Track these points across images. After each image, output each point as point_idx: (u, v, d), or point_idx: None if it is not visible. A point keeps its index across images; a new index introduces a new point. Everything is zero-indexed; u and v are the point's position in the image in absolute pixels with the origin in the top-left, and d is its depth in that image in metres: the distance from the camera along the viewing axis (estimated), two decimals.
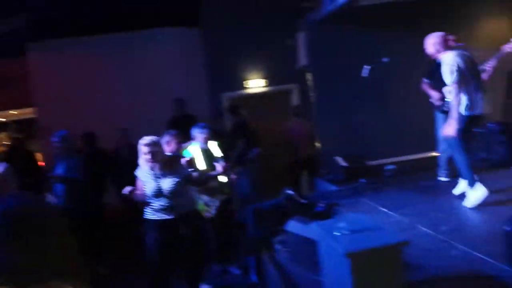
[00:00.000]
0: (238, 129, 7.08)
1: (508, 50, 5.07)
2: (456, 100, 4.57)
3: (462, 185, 5.02)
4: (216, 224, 4.50)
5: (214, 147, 5.13)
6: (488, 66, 5.31)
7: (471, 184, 4.67)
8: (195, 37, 8.23)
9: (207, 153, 4.93)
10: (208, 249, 4.49)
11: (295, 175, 7.74)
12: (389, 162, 6.67)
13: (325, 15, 6.91)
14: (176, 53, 8.16)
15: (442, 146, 5.92)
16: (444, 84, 5.34)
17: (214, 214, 4.66)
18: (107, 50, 7.99)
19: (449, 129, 4.65)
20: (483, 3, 7.49)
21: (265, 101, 8.48)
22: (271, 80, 8.46)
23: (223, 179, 4.91)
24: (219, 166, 4.84)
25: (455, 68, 4.55)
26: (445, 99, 5.43)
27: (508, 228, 3.19)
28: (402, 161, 7.04)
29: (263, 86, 8.48)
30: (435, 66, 5.72)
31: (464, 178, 4.81)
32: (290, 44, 8.00)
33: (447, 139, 4.85)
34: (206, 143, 5.01)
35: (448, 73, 4.58)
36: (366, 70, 6.07)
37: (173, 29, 8.12)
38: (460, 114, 4.61)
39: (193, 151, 4.79)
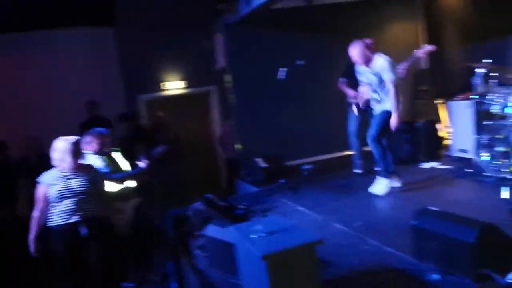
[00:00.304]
0: (136, 134, 6.79)
1: (420, 55, 5.40)
2: (397, 95, 4.88)
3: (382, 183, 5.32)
4: (131, 231, 4.32)
5: (117, 155, 4.88)
6: (401, 68, 5.63)
7: (384, 174, 5.12)
8: (109, 37, 7.88)
9: (111, 160, 4.70)
10: (120, 257, 4.28)
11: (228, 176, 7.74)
12: (307, 162, 6.84)
13: (242, 17, 6.93)
14: (89, 53, 7.75)
15: (355, 141, 6.25)
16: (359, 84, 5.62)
17: (128, 221, 4.46)
18: (14, 50, 7.39)
19: (395, 121, 4.93)
20: (395, 9, 7.96)
21: (184, 103, 8.34)
22: (190, 81, 8.34)
23: (132, 184, 4.69)
24: (142, 163, 4.67)
25: (394, 65, 4.89)
26: (361, 98, 5.71)
27: (414, 222, 3.38)
28: (319, 160, 7.27)
29: (182, 88, 8.34)
30: (352, 65, 6.01)
31: (380, 168, 5.17)
32: (208, 45, 7.94)
33: (369, 134, 5.13)
34: (108, 149, 4.77)
35: (390, 69, 4.86)
36: (281, 72, 6.19)
37: (86, 29, 7.71)
38: (388, 111, 4.96)
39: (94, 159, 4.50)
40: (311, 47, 7.29)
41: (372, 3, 7.60)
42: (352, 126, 6.26)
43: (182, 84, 8.30)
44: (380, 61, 4.95)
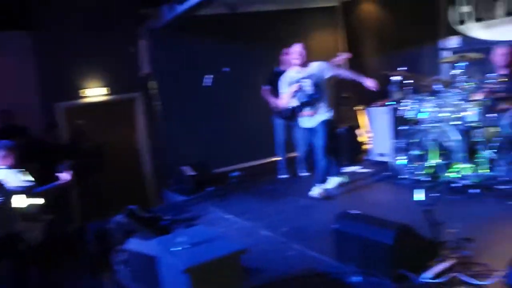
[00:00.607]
0: (28, 151, 6.31)
1: (338, 63, 5.59)
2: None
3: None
4: (44, 248, 4.04)
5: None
6: None
7: (335, 173, 5.41)
8: (25, 42, 7.38)
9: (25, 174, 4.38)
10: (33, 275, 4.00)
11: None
12: (235, 169, 6.83)
13: (166, 23, 6.81)
14: (3, 59, 7.21)
15: (282, 147, 6.35)
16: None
17: (37, 238, 4.17)
18: None
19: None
20: (317, 18, 8.19)
21: (107, 111, 8.00)
22: (113, 88, 8.02)
23: (38, 201, 4.36)
24: (65, 175, 4.37)
25: None
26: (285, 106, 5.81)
27: (336, 226, 3.46)
28: (247, 167, 7.29)
29: (105, 95, 8.00)
30: (275, 73, 6.10)
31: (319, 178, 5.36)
32: (132, 51, 7.68)
33: (318, 147, 5.26)
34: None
35: (328, 65, 5.24)
36: (207, 79, 6.15)
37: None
38: (326, 120, 5.19)
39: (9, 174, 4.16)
40: (237, 54, 7.31)
41: (295, 12, 7.79)
42: (280, 134, 6.36)
43: (105, 90, 7.96)
44: (316, 63, 5.17)
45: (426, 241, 3.18)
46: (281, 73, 5.93)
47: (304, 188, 5.64)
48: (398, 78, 5.70)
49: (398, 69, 5.63)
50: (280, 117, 6.19)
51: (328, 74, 5.16)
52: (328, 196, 5.28)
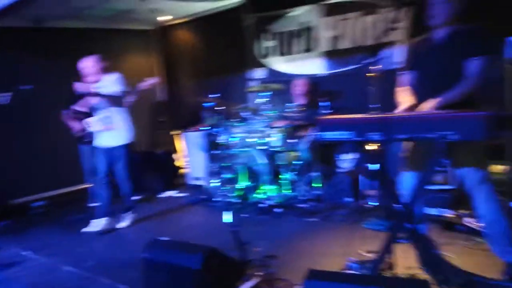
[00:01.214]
0: None
1: (144, 87, 5.49)
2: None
3: (100, 222, 5.12)
4: None
5: None
6: (128, 99, 5.61)
7: (131, 208, 5.18)
8: None
9: None
10: None
11: None
12: (38, 198, 6.15)
13: None
14: None
15: (91, 175, 5.94)
16: (85, 115, 5.36)
17: None
18: None
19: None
20: (130, 40, 8.00)
21: None
22: None
23: None
24: None
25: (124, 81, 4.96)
26: (87, 130, 5.45)
27: (145, 255, 3.31)
28: (53, 195, 6.65)
29: None
30: (74, 96, 5.69)
31: (128, 204, 5.17)
32: None
33: (122, 176, 5.03)
34: None
35: (120, 82, 4.88)
36: (4, 97, 5.43)
37: None
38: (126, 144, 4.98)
39: None
40: (42, 71, 6.64)
41: (107, 32, 7.45)
42: (86, 159, 5.92)
43: None
44: (110, 76, 4.89)
45: (233, 261, 3.25)
46: (80, 95, 5.58)
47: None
48: (211, 104, 5.89)
49: (211, 95, 5.83)
50: (82, 143, 5.80)
51: (114, 88, 4.85)
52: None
